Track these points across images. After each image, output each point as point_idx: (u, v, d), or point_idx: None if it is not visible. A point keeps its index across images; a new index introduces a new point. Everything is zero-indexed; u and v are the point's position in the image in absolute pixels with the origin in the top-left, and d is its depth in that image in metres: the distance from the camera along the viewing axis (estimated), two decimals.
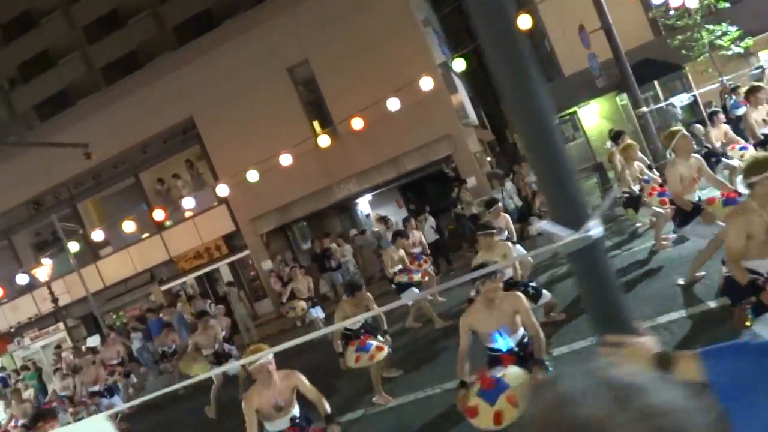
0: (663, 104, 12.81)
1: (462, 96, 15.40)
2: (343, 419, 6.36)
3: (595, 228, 1.56)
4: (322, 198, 15.60)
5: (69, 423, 10.93)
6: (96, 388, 10.51)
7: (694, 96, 14.58)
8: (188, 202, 15.63)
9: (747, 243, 3.51)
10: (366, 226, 18.29)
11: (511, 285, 6.69)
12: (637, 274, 7.20)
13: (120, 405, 10.64)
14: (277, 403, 4.18)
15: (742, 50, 13.70)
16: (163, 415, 10.40)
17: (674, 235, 8.06)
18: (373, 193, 17.88)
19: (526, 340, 4.21)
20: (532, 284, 6.60)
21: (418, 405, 6.01)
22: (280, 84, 15.52)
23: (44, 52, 27.44)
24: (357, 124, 13.02)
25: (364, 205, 19.72)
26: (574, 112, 18.33)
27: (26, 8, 27.28)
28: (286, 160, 13.40)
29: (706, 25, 13.30)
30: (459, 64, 12.16)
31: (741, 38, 13.64)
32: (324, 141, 13.82)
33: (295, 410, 4.30)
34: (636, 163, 8.12)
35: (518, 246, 8.59)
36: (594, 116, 18.04)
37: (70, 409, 11.91)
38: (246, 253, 16.96)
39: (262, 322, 16.28)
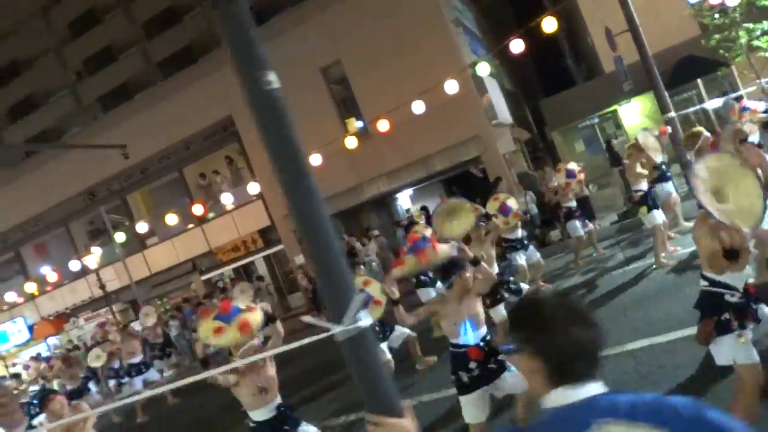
0: (698, 107, 12.24)
1: (493, 96, 15.23)
2: (346, 420, 6.57)
3: (362, 319, 1.73)
4: (352, 196, 15.87)
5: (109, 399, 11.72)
6: (136, 360, 11.19)
7: (742, 96, 13.85)
8: (227, 197, 16.33)
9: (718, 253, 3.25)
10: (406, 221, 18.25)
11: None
12: (632, 294, 7.08)
13: (155, 376, 11.31)
14: (260, 384, 4.49)
15: None
16: (198, 400, 10.81)
17: (682, 251, 7.87)
18: (414, 187, 17.96)
19: (489, 337, 4.32)
20: (512, 280, 7.03)
21: (430, 406, 5.89)
22: (313, 84, 15.83)
23: (107, 47, 28.96)
24: (383, 126, 13.20)
25: (404, 199, 19.80)
26: (615, 111, 17.76)
27: (91, 6, 28.82)
28: (315, 160, 13.74)
29: (745, 24, 12.51)
30: (483, 69, 12.10)
31: None
32: (353, 142, 14.08)
33: (278, 398, 4.57)
34: (642, 160, 8.01)
35: (531, 247, 8.62)
36: (635, 114, 17.43)
37: (112, 382, 12.49)
38: (280, 247, 17.51)
39: (292, 315, 16.79)
